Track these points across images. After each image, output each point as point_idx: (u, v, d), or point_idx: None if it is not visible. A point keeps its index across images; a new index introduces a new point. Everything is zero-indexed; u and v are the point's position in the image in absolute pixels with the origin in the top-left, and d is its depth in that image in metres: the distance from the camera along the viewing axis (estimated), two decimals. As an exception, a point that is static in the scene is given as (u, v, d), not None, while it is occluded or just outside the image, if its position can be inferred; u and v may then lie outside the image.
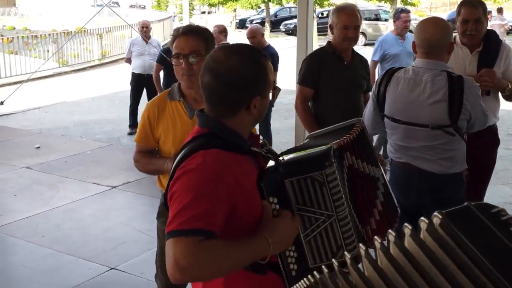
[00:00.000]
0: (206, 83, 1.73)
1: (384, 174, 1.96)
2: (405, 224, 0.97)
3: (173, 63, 2.62)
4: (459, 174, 3.05)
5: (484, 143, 3.74)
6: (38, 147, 7.56)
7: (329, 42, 4.04)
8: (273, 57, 6.77)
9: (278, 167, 1.76)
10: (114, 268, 4.25)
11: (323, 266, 0.99)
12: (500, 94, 3.77)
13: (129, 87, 8.83)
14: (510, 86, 3.67)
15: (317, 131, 2.10)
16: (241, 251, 1.60)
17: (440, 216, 0.99)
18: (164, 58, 6.94)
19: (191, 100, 2.70)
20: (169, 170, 2.50)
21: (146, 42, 8.48)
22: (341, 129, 1.95)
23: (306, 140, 1.99)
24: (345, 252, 1.01)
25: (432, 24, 3.01)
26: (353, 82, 3.96)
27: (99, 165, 6.81)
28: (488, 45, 3.70)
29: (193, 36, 2.59)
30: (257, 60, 1.75)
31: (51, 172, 6.55)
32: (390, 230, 0.96)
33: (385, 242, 0.99)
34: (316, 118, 4.01)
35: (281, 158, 1.80)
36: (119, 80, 13.03)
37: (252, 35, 6.92)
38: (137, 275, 4.13)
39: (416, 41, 3.01)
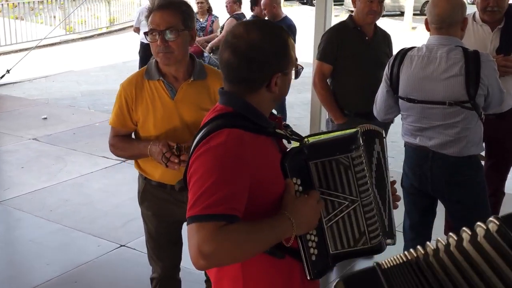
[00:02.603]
0: (226, 60, 1.72)
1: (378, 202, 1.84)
2: (464, 228, 0.96)
3: (148, 39, 2.50)
4: (475, 157, 3.02)
5: (507, 126, 3.68)
6: (45, 118, 7.57)
7: (350, 16, 3.98)
8: (291, 29, 6.67)
9: (302, 148, 1.76)
10: (124, 245, 4.27)
11: (418, 247, 0.99)
12: None
13: (137, 57, 8.78)
14: None
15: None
16: (264, 233, 1.61)
17: (497, 222, 0.97)
18: None
19: (171, 78, 2.59)
20: (152, 153, 2.51)
21: (156, 11, 8.37)
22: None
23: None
24: (451, 233, 1.01)
25: None
26: (374, 60, 3.89)
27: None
28: (510, 21, 3.60)
29: (169, 11, 2.46)
30: (279, 35, 1.75)
31: (58, 144, 6.56)
32: (451, 233, 0.96)
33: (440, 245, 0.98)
34: (334, 96, 3.96)
35: (305, 140, 1.80)
36: (127, 49, 12.98)
37: (263, 7, 6.84)
38: (146, 252, 4.14)
39: (428, 17, 2.96)
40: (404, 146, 3.18)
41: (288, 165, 1.74)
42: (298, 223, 1.66)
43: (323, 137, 1.84)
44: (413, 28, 18.85)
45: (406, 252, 1.10)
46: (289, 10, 17.96)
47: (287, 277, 1.79)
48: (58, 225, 4.58)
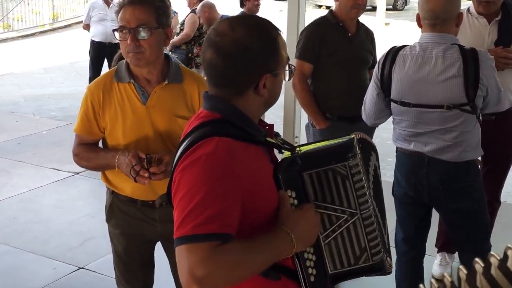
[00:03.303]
0: (209, 60, 1.70)
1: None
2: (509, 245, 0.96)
3: (117, 38, 2.48)
4: (473, 162, 3.07)
5: (507, 126, 3.76)
6: (-15, 126, 7.43)
7: (331, 11, 4.01)
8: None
9: (295, 158, 1.75)
10: (82, 268, 4.21)
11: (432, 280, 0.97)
12: None
13: (86, 57, 8.73)
14: None
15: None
16: (262, 251, 1.60)
17: None
18: None
19: (143, 81, 2.56)
20: (120, 165, 2.48)
21: (108, 6, 8.31)
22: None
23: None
24: (477, 259, 1.00)
25: None
26: (357, 57, 3.94)
27: (58, 147, 6.67)
28: (508, 13, 3.67)
29: (141, 6, 2.43)
30: (267, 31, 1.73)
31: (2, 155, 6.44)
32: (492, 252, 0.96)
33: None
34: (315, 98, 3.98)
35: (297, 149, 1.80)
36: (75, 48, 12.87)
37: (199, 14, 7.00)
38: (108, 275, 4.06)
39: (420, 13, 2.98)
40: (396, 152, 3.20)
41: (281, 176, 1.73)
42: (298, 239, 1.65)
43: (316, 146, 1.85)
44: (387, 24, 19.08)
45: None
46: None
47: None
48: (6, 246, 4.48)
